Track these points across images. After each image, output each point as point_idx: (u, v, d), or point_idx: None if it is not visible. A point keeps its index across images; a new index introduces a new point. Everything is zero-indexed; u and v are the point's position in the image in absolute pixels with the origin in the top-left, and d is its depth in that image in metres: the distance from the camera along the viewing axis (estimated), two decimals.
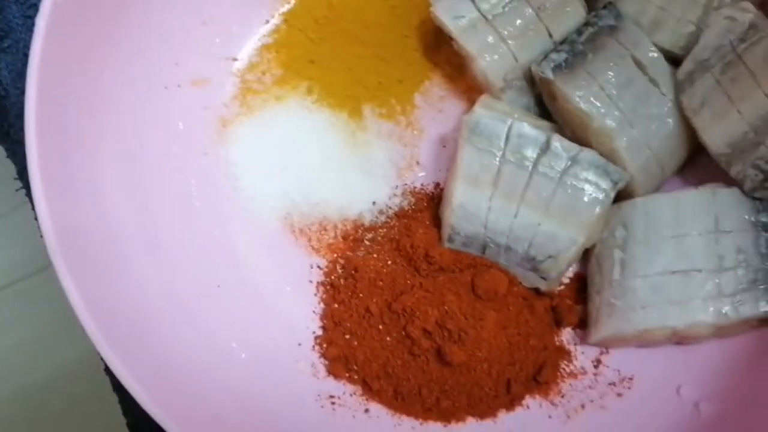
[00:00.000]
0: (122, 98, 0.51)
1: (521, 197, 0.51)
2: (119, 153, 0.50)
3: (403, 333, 0.51)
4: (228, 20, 0.57)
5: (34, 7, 0.59)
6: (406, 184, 0.56)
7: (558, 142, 0.51)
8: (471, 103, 0.57)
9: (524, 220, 0.51)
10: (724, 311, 0.47)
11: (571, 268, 0.54)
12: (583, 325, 0.53)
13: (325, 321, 0.53)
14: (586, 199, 0.50)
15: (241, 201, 0.55)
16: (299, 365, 0.51)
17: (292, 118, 0.56)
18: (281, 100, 0.57)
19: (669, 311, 0.48)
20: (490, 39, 0.54)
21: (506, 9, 0.54)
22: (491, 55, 0.53)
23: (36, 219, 0.44)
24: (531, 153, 0.51)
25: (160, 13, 0.53)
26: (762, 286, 0.47)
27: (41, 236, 0.58)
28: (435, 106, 0.58)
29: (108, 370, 0.57)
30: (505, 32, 0.54)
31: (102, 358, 0.55)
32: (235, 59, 0.57)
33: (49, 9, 0.43)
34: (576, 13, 0.54)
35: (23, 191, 0.59)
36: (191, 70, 0.55)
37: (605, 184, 0.50)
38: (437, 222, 0.55)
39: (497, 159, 0.51)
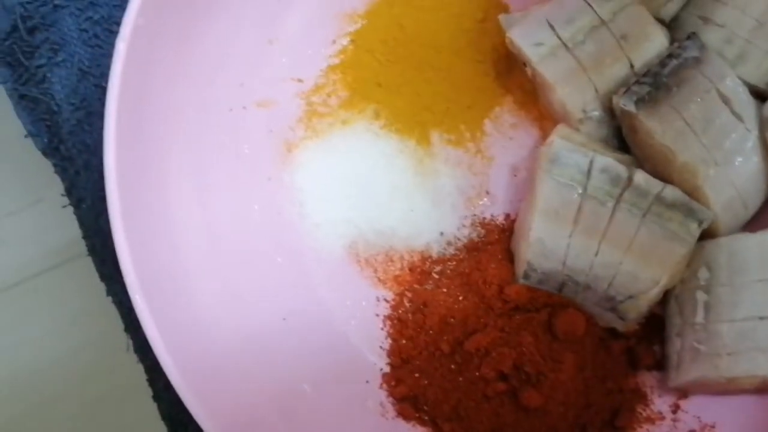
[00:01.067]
0: (190, 121, 0.49)
1: (603, 235, 0.49)
2: (187, 178, 0.48)
3: (477, 374, 0.49)
4: (294, 39, 0.55)
5: (90, 20, 0.57)
6: (475, 215, 0.54)
7: (642, 178, 0.49)
8: (543, 131, 0.56)
9: (605, 259, 0.49)
10: None
11: None
12: (659, 367, 0.51)
13: (392, 358, 0.51)
14: (669, 238, 0.48)
15: (305, 228, 0.53)
16: (368, 403, 0.49)
17: (359, 143, 0.54)
18: (348, 124, 0.55)
19: (759, 359, 0.46)
20: (570, 68, 0.51)
21: (587, 37, 0.52)
22: (571, 85, 0.51)
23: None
24: (613, 188, 0.49)
25: (228, 31, 0.52)
26: None
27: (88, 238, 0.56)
28: (506, 133, 0.56)
29: (156, 397, 0.55)
30: (586, 61, 0.51)
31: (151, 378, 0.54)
32: (300, 80, 0.55)
33: (130, 32, 0.41)
34: (658, 43, 0.52)
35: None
36: (256, 91, 0.53)
37: (690, 224, 0.48)
38: (509, 255, 0.52)
39: (578, 194, 0.49)
